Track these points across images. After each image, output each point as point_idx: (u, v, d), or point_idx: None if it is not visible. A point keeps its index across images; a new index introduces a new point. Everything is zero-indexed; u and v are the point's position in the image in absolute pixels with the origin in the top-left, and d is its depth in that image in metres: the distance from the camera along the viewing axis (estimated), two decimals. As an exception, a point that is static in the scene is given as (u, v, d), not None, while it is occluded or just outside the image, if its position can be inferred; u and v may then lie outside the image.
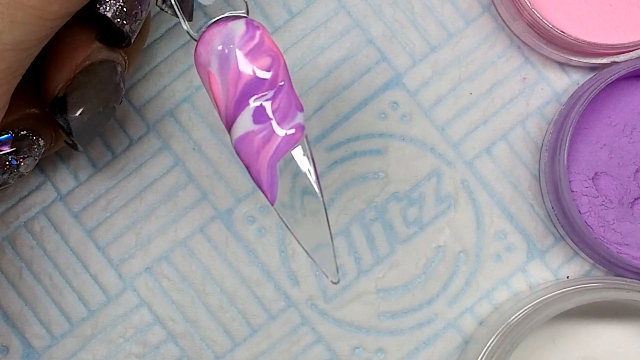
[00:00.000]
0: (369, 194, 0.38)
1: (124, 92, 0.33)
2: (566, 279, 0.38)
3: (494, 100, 0.38)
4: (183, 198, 0.38)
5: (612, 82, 0.36)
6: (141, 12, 0.31)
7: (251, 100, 0.28)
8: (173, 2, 0.29)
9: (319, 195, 0.29)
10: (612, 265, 0.36)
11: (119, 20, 0.31)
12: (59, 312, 0.38)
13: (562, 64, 0.38)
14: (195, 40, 0.29)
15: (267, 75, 0.28)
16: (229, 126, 0.28)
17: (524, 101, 0.38)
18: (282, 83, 0.28)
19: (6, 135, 0.32)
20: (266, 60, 0.28)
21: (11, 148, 0.32)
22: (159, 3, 0.30)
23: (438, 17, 0.39)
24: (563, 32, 0.36)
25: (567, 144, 0.35)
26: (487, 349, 0.35)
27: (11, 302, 0.38)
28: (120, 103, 0.33)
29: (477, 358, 0.35)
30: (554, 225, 0.38)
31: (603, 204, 0.37)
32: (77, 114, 0.32)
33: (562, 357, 0.37)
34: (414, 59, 0.39)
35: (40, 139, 0.32)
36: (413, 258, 0.38)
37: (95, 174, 0.38)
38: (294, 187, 0.29)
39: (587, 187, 0.37)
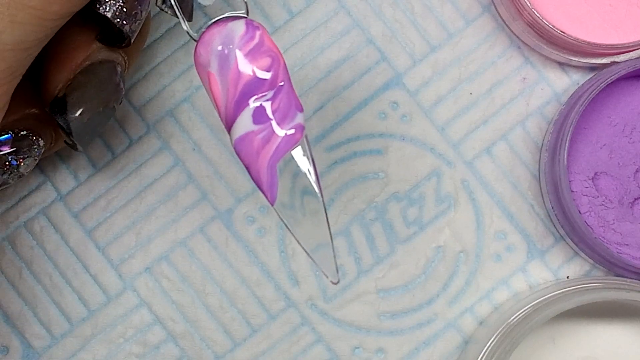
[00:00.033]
0: (369, 194, 0.38)
1: (124, 92, 0.33)
2: (566, 279, 0.38)
3: (494, 100, 0.38)
4: (183, 198, 0.38)
5: (612, 82, 0.36)
6: (141, 12, 0.31)
7: (251, 101, 0.28)
8: (173, 3, 0.29)
9: (319, 195, 0.29)
10: (612, 265, 0.36)
11: (118, 20, 0.31)
12: (59, 312, 0.38)
13: (562, 64, 0.38)
14: (195, 40, 0.29)
15: (267, 75, 0.28)
16: (229, 126, 0.28)
17: (524, 101, 0.38)
18: (282, 83, 0.28)
19: (6, 136, 0.32)
20: (266, 61, 0.28)
21: (11, 148, 0.32)
22: (159, 3, 0.30)
23: (438, 17, 0.39)
24: (563, 32, 0.36)
25: (567, 144, 0.35)
26: (487, 349, 0.35)
27: (11, 302, 0.38)
28: (120, 103, 0.33)
29: (477, 358, 0.35)
30: (554, 225, 0.38)
31: (603, 204, 0.37)
32: (77, 114, 0.32)
33: (562, 357, 0.37)
34: (414, 59, 0.39)
35: (40, 139, 0.32)
36: (413, 258, 0.38)
37: (95, 174, 0.38)
38: (294, 187, 0.29)
39: (587, 187, 0.37)
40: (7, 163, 0.32)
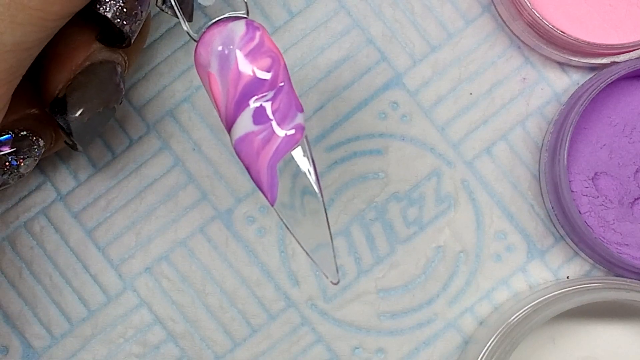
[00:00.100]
0: (369, 194, 0.38)
1: (124, 93, 0.33)
2: (566, 279, 0.38)
3: (494, 100, 0.38)
4: (183, 198, 0.38)
5: (612, 82, 0.36)
6: (141, 12, 0.31)
7: (251, 101, 0.28)
8: (173, 3, 0.29)
9: (319, 195, 0.29)
10: (612, 265, 0.36)
11: (119, 20, 0.31)
12: (59, 312, 0.38)
13: (562, 64, 0.38)
14: (195, 40, 0.29)
15: (267, 76, 0.28)
16: (229, 127, 0.28)
17: (524, 101, 0.38)
18: (282, 84, 0.28)
19: (6, 136, 0.32)
20: (266, 61, 0.28)
21: (11, 148, 0.32)
22: (159, 3, 0.30)
23: (438, 17, 0.39)
24: (563, 32, 0.36)
25: (567, 144, 0.35)
26: (487, 349, 0.35)
27: (11, 302, 0.38)
28: (121, 103, 0.33)
29: (477, 358, 0.35)
30: (554, 225, 0.38)
31: (603, 204, 0.37)
32: (77, 114, 0.32)
33: (562, 357, 0.37)
34: (414, 59, 0.39)
35: (40, 140, 0.32)
36: (413, 258, 0.38)
37: (95, 174, 0.38)
38: (294, 187, 0.29)
39: (587, 187, 0.37)
40: (7, 163, 0.32)
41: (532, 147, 0.38)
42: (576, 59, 0.37)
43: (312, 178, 0.29)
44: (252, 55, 0.28)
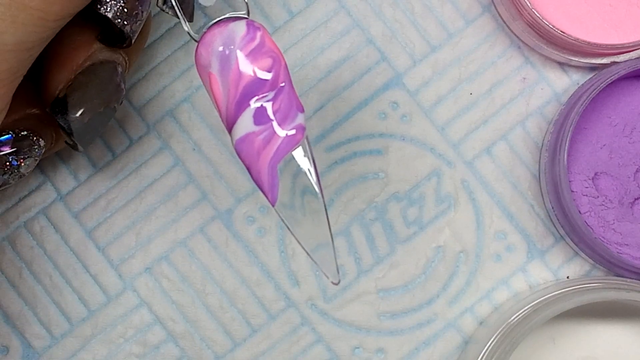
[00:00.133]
0: (369, 194, 0.38)
1: (124, 93, 0.33)
2: (566, 279, 0.38)
3: (494, 100, 0.38)
4: (183, 198, 0.38)
5: (612, 82, 0.36)
6: (142, 12, 0.31)
7: (252, 101, 0.28)
8: (173, 3, 0.29)
9: (319, 195, 0.29)
10: (612, 265, 0.36)
11: (119, 20, 0.31)
12: (59, 312, 0.38)
13: (562, 64, 0.38)
14: (195, 41, 0.29)
15: (267, 76, 0.28)
16: (230, 127, 0.28)
17: (524, 101, 0.38)
18: (283, 84, 0.28)
19: (7, 136, 0.32)
20: (267, 61, 0.28)
21: (12, 148, 0.32)
22: (160, 3, 0.30)
23: (438, 17, 0.39)
24: (563, 32, 0.36)
25: (567, 144, 0.35)
26: (487, 349, 0.35)
27: (11, 302, 0.38)
28: (121, 103, 0.33)
29: (477, 358, 0.35)
30: (554, 225, 0.38)
31: (603, 204, 0.37)
32: (78, 114, 0.32)
33: (562, 357, 0.37)
34: (414, 59, 0.39)
35: (40, 140, 0.32)
36: (413, 258, 0.38)
37: (95, 174, 0.38)
38: (294, 187, 0.29)
39: (587, 187, 0.37)
40: (8, 163, 0.32)
41: (532, 147, 0.38)
42: (576, 59, 0.37)
43: (312, 178, 0.29)
44: (253, 55, 0.28)
